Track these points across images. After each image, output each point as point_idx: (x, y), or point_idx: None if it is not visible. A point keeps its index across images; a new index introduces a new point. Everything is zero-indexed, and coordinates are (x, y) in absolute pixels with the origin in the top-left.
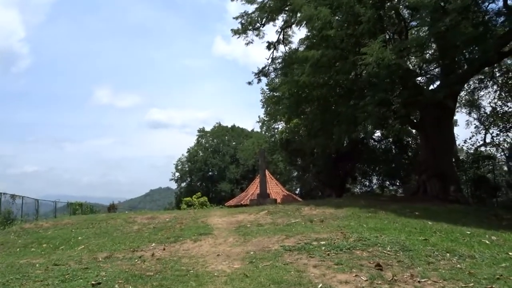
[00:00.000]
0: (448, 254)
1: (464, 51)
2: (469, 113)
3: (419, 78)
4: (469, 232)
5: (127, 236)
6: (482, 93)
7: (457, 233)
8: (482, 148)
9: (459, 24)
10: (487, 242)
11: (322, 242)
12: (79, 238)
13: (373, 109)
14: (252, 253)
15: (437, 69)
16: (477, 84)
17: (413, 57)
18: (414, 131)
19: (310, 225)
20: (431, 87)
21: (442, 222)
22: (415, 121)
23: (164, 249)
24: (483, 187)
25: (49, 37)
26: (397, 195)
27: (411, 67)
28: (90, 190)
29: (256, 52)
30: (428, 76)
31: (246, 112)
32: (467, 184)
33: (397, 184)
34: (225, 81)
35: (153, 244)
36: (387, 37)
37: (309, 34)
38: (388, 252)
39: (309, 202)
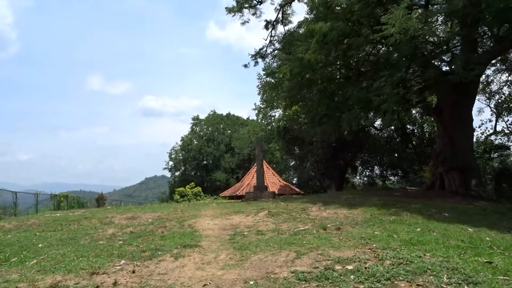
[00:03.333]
0: None
1: (494, 26)
2: (488, 99)
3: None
4: None
5: (95, 246)
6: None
7: None
8: (492, 137)
9: None
10: None
11: (349, 267)
12: (40, 245)
13: (391, 91)
14: (252, 282)
15: (459, 47)
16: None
17: (439, 30)
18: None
19: (324, 235)
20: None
21: (484, 228)
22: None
23: (133, 272)
24: (506, 181)
25: (38, 22)
26: (407, 188)
27: (436, 42)
28: (86, 178)
29: (251, 40)
30: (452, 53)
31: (241, 101)
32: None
33: (399, 175)
34: (220, 70)
35: (123, 261)
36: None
37: (311, 10)
38: (448, 287)
39: (314, 198)
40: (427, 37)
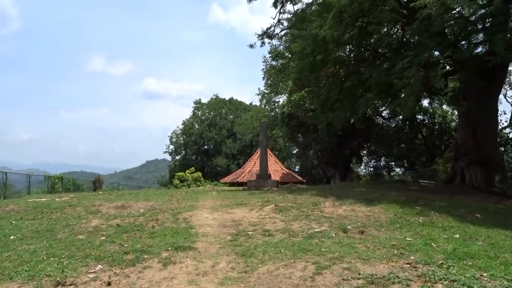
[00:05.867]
0: None
1: None
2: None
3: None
4: None
5: (73, 242)
6: None
7: None
8: (507, 130)
9: None
10: None
11: None
12: (11, 237)
13: (416, 73)
14: None
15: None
16: None
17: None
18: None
19: (346, 240)
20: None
21: None
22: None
23: (108, 284)
24: None
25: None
26: (420, 181)
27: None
28: (88, 159)
29: (255, 23)
30: (489, 32)
31: (244, 86)
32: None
33: (405, 166)
34: (223, 54)
35: (99, 266)
36: None
37: None
38: None
39: (324, 190)
40: (463, 12)
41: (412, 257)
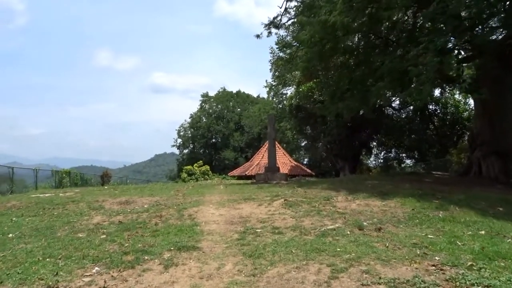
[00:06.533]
0: None
1: None
2: None
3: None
4: None
5: (72, 241)
6: None
7: None
8: None
9: None
10: None
11: None
12: (10, 235)
13: (432, 59)
14: None
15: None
16: None
17: None
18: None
19: (362, 238)
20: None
21: None
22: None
23: None
24: None
25: None
26: (433, 173)
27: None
28: (97, 153)
29: (261, 15)
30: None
31: (251, 78)
32: None
33: (415, 157)
34: (229, 46)
35: (96, 268)
36: None
37: None
38: None
39: (335, 183)
40: None
41: (437, 258)
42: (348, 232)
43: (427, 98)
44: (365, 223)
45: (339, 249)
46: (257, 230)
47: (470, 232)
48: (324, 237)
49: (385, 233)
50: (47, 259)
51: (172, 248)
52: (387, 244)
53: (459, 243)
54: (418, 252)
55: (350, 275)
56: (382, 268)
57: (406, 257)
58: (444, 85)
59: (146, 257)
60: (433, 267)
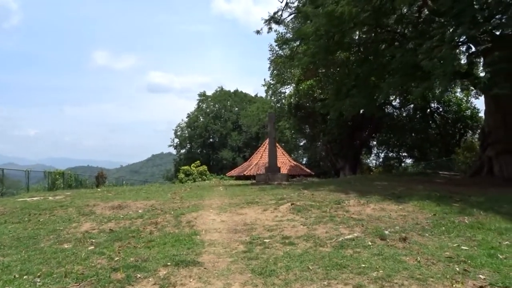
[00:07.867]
0: None
1: None
2: None
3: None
4: None
5: (55, 253)
6: None
7: None
8: None
9: None
10: None
11: None
12: None
13: (449, 51)
14: None
15: None
16: None
17: None
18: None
19: (388, 251)
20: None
21: None
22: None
23: None
24: None
25: None
26: (440, 173)
27: None
28: (94, 153)
29: (258, 14)
30: None
31: (249, 78)
32: None
33: (416, 157)
34: (227, 46)
35: None
36: None
37: None
38: None
39: (342, 184)
40: None
41: (481, 276)
42: (370, 243)
43: (444, 94)
44: (386, 232)
45: (363, 265)
46: (265, 241)
47: (507, 242)
48: (343, 249)
49: (411, 243)
50: (24, 277)
51: (169, 263)
52: (418, 259)
53: (500, 256)
54: (457, 269)
55: None
56: None
57: (445, 275)
58: (457, 80)
59: (138, 275)
60: None
